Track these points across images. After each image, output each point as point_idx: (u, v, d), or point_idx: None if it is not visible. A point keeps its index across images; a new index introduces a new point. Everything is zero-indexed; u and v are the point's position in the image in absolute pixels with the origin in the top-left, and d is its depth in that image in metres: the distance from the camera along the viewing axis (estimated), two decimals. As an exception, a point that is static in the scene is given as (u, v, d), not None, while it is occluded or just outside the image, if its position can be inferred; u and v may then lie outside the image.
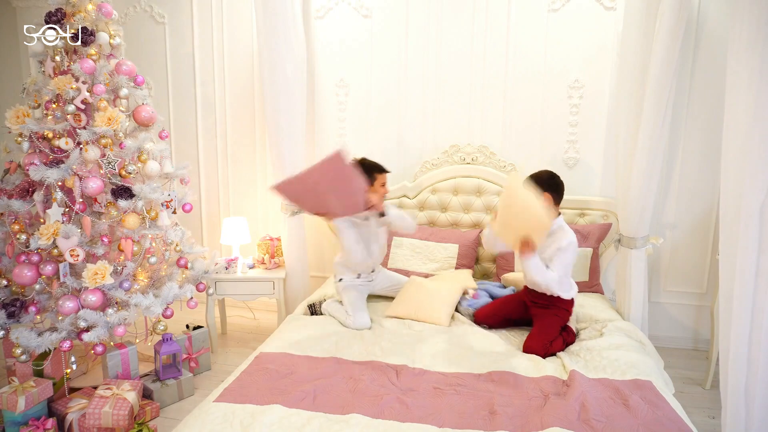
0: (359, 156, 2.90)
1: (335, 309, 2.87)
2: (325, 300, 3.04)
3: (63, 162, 2.61)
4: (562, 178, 2.64)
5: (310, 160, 3.74)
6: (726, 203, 1.97)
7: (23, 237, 2.62)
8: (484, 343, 2.55)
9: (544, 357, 2.43)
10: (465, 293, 2.97)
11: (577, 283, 3.15)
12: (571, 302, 2.64)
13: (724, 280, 1.99)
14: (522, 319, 2.75)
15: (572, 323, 2.77)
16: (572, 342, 2.59)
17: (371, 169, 2.80)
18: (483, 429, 1.81)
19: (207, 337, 3.28)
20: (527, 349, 2.48)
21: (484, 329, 2.71)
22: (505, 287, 3.12)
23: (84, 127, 2.66)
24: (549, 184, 2.59)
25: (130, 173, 2.72)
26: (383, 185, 2.84)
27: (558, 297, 2.59)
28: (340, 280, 2.95)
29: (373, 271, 3.02)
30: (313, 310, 2.99)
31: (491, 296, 2.98)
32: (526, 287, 2.76)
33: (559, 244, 2.51)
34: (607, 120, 3.40)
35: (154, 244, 2.87)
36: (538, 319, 2.61)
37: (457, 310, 2.90)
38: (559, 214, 2.63)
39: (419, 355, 2.39)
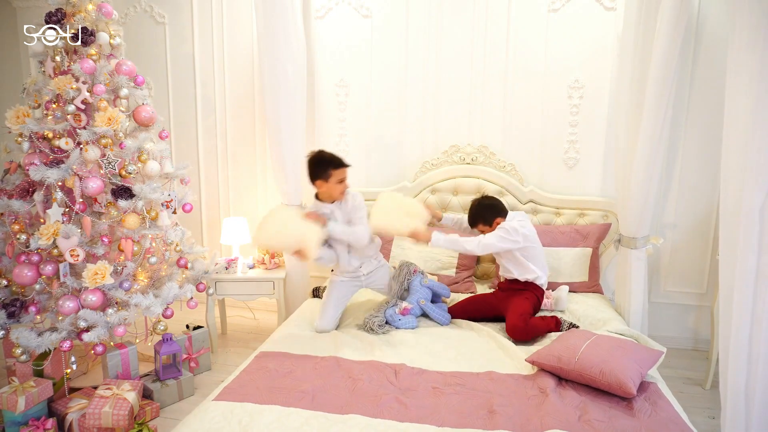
0: (317, 148, 2.74)
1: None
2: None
3: (63, 162, 2.61)
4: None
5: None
6: (726, 203, 1.96)
7: (23, 237, 2.62)
8: (481, 341, 2.55)
9: (530, 340, 2.53)
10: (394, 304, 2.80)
11: (577, 283, 3.19)
12: (541, 290, 2.86)
13: (724, 280, 1.98)
14: (486, 318, 2.84)
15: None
16: (557, 330, 2.65)
17: (326, 165, 2.63)
18: (482, 428, 1.81)
19: (207, 337, 3.28)
20: (510, 327, 2.58)
21: (482, 325, 2.72)
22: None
23: (84, 127, 2.66)
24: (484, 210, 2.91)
25: (130, 173, 2.72)
26: (341, 181, 2.66)
27: (532, 283, 2.82)
28: (332, 270, 2.97)
29: (361, 266, 2.85)
30: (316, 293, 3.26)
31: (425, 308, 2.81)
32: (499, 284, 2.96)
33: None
34: (607, 120, 3.40)
35: (154, 244, 2.87)
36: (510, 302, 2.74)
37: (385, 322, 2.72)
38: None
39: (418, 355, 2.39)
